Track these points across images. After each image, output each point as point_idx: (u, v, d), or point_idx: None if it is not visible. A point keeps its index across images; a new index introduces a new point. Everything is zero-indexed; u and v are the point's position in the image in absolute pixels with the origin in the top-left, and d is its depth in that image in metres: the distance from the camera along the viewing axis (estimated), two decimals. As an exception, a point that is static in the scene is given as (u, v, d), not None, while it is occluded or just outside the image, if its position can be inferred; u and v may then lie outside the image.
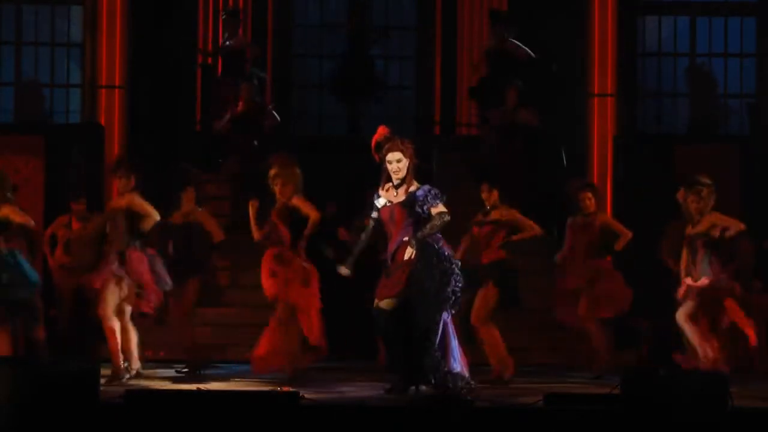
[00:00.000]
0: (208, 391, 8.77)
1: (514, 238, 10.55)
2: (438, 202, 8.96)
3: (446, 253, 9.00)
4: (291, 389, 8.58)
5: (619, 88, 13.99)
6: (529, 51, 13.74)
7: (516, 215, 10.62)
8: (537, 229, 10.59)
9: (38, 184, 12.99)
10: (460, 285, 9.01)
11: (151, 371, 10.85)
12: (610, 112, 13.93)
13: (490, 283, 10.40)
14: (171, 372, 10.89)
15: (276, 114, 13.71)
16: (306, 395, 8.18)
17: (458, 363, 8.97)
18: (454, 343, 9.02)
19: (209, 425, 7.49)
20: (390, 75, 15.39)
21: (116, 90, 13.74)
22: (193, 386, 9.51)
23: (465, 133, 14.99)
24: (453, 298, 8.98)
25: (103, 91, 13.75)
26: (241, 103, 13.53)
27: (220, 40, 14.71)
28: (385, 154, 9.02)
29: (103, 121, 13.64)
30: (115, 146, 13.63)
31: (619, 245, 11.15)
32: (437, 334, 8.92)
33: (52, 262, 12.00)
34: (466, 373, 8.98)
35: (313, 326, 10.33)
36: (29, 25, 14.18)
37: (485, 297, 10.39)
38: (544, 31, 13.97)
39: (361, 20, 14.29)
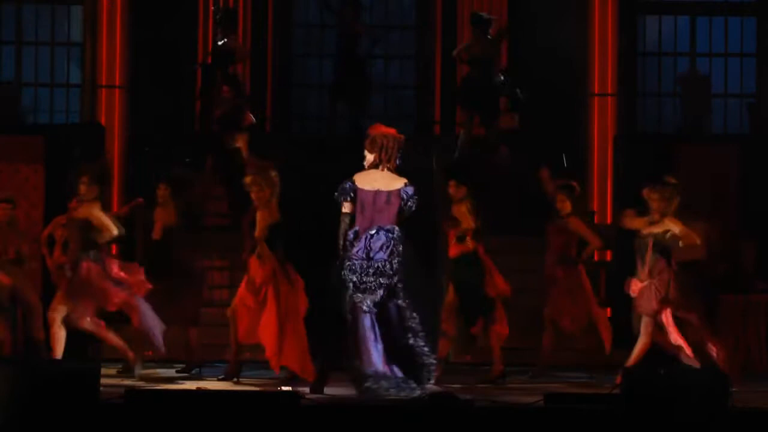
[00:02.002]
0: (208, 391, 8.78)
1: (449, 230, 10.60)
2: (340, 198, 9.18)
3: (349, 247, 9.10)
4: (291, 389, 8.59)
5: (620, 87, 14.00)
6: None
7: (460, 209, 10.64)
8: (470, 224, 10.58)
9: (38, 184, 12.98)
10: (354, 278, 9.05)
11: (151, 371, 10.85)
12: (610, 112, 13.95)
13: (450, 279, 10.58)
14: (171, 372, 10.89)
15: (252, 115, 13.61)
16: (306, 395, 8.19)
17: (378, 364, 8.97)
18: (371, 344, 9.02)
19: (209, 425, 7.49)
20: (390, 75, 15.38)
21: (116, 90, 13.75)
22: (193, 386, 9.52)
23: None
24: (351, 292, 9.04)
25: (103, 90, 13.76)
26: (221, 104, 13.43)
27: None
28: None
29: (103, 121, 13.64)
30: (115, 146, 13.64)
31: (585, 253, 11.09)
32: (337, 331, 9.04)
33: (50, 262, 11.98)
34: (392, 374, 8.98)
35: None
36: (29, 25, 14.19)
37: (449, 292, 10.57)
38: (544, 30, 13.96)
39: (355, 21, 14.25)
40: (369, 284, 9.07)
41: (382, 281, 9.08)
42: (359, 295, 9.08)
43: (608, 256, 13.07)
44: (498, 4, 14.88)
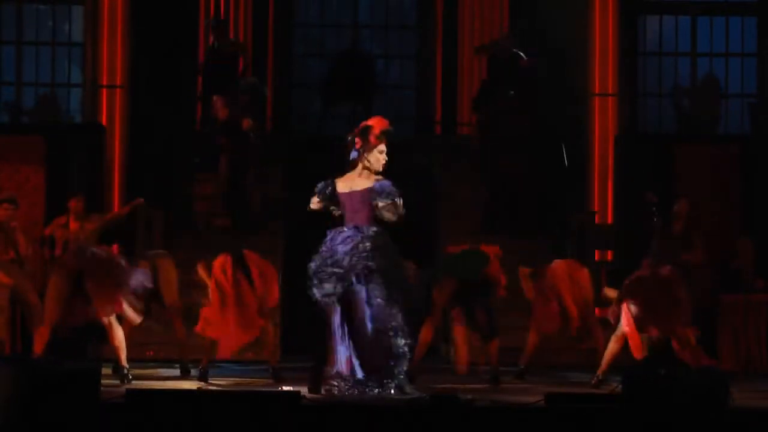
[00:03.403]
0: (208, 391, 8.78)
1: None
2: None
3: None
4: (292, 389, 8.59)
5: (620, 87, 14.00)
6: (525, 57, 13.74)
7: None
8: None
9: (39, 184, 12.97)
10: (312, 265, 9.04)
11: (151, 371, 10.86)
12: (611, 112, 13.94)
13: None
14: (171, 372, 10.90)
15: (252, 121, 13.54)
16: (307, 395, 8.19)
17: (342, 364, 8.93)
18: (338, 343, 8.97)
19: (209, 425, 7.50)
20: (390, 75, 15.37)
21: (117, 90, 13.75)
22: (193, 386, 9.53)
23: (465, 133, 14.97)
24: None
25: (104, 90, 13.76)
26: (225, 111, 13.33)
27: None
28: (383, 144, 9.09)
29: (104, 121, 13.65)
30: (116, 146, 13.64)
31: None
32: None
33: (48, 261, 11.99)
34: (351, 375, 8.92)
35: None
36: (30, 25, 14.20)
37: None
38: (545, 30, 13.97)
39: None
40: (322, 274, 9.03)
41: (335, 270, 8.98)
42: (314, 283, 9.03)
43: (609, 255, 13.09)
44: (499, 3, 14.89)
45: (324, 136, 14.00)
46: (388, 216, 9.00)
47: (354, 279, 8.94)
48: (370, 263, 8.91)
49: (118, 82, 13.77)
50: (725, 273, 12.24)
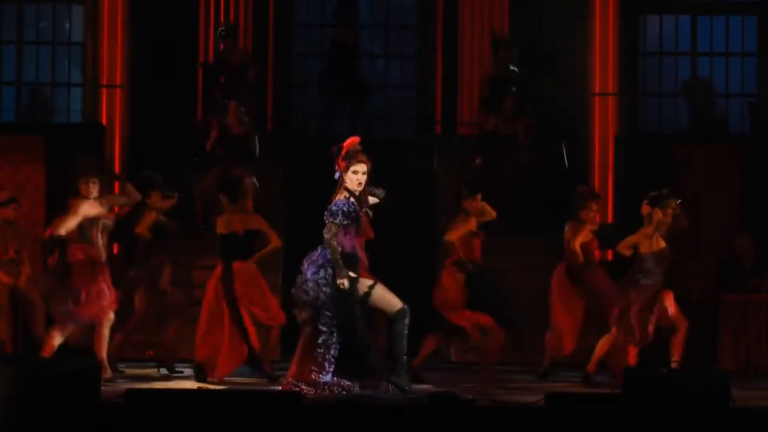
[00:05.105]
0: (208, 391, 8.78)
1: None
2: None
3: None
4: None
5: (621, 87, 14.00)
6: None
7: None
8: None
9: (39, 184, 12.97)
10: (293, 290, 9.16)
11: (151, 371, 10.86)
12: (611, 112, 13.95)
13: None
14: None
15: (257, 142, 13.45)
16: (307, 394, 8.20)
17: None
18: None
19: (209, 425, 7.50)
20: (390, 75, 15.38)
21: (117, 89, 13.76)
22: (193, 386, 9.54)
23: (466, 133, 14.97)
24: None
25: (104, 90, 13.77)
26: (230, 125, 13.23)
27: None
28: (356, 164, 9.06)
29: (104, 121, 13.66)
30: (116, 145, 13.65)
31: None
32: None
33: (51, 261, 11.97)
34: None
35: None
36: (30, 25, 14.21)
37: None
38: (546, 29, 13.97)
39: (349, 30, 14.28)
40: (298, 300, 9.16)
41: (304, 298, 9.09)
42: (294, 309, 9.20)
43: (609, 255, 13.08)
44: (499, 4, 14.88)
45: (324, 136, 14.00)
46: (325, 236, 8.98)
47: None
48: (326, 290, 8.96)
49: (118, 82, 13.78)
50: (726, 272, 12.24)
